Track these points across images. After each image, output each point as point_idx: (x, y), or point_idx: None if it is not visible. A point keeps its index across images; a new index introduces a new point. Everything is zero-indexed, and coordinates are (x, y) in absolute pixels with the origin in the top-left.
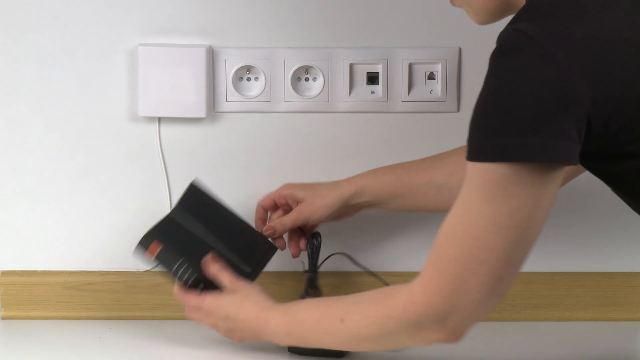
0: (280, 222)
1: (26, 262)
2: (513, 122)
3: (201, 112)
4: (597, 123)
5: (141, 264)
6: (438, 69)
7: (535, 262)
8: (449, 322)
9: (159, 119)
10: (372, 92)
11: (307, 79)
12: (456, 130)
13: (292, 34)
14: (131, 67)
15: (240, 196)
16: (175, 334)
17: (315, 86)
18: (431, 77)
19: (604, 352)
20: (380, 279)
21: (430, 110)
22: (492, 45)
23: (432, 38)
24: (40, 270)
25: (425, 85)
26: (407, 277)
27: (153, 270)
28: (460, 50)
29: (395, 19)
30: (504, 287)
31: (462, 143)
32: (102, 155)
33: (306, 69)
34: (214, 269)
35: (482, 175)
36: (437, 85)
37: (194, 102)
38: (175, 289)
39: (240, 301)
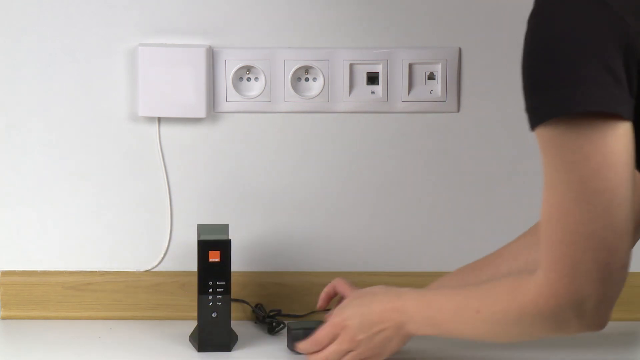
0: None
1: (26, 262)
2: (567, 73)
3: (201, 112)
4: None
5: (141, 264)
6: (438, 69)
7: None
8: (585, 309)
9: (159, 119)
10: (372, 92)
11: (307, 79)
12: (456, 130)
13: (292, 34)
14: (131, 67)
15: (240, 196)
16: (175, 334)
17: (315, 86)
18: (431, 77)
19: (604, 352)
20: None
21: (430, 110)
22: (492, 45)
23: (432, 38)
24: (40, 270)
25: (425, 85)
26: (407, 277)
27: (153, 270)
28: (460, 50)
29: (395, 19)
30: (621, 257)
31: (462, 143)
32: (102, 155)
33: (306, 69)
34: (333, 282)
35: (550, 141)
36: (437, 86)
37: (194, 102)
38: (301, 345)
39: (369, 298)
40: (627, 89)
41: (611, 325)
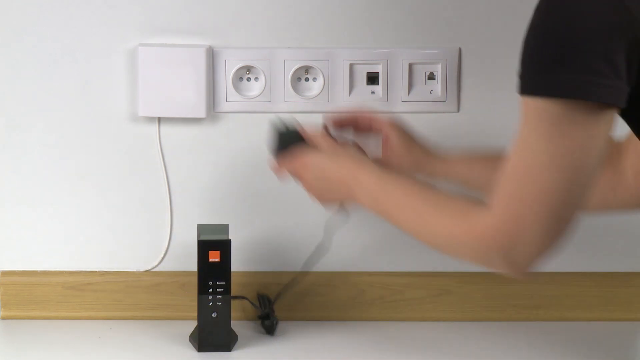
0: None
1: (26, 262)
2: (570, 58)
3: (201, 112)
4: None
5: (141, 264)
6: (438, 69)
7: None
8: (513, 258)
9: (159, 119)
10: (372, 92)
11: (307, 79)
12: (456, 130)
13: (292, 34)
14: (131, 67)
15: (240, 196)
16: (175, 334)
17: (315, 86)
18: (431, 77)
19: (604, 352)
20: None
21: (430, 110)
22: (492, 45)
23: (432, 38)
24: (41, 271)
25: (425, 85)
26: (407, 277)
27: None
28: (460, 50)
29: (395, 19)
30: (564, 226)
31: (462, 143)
32: (102, 156)
33: (306, 69)
34: (317, 134)
35: (537, 113)
36: (437, 86)
37: (194, 102)
38: (272, 159)
39: (337, 155)
40: (626, 78)
41: (611, 325)
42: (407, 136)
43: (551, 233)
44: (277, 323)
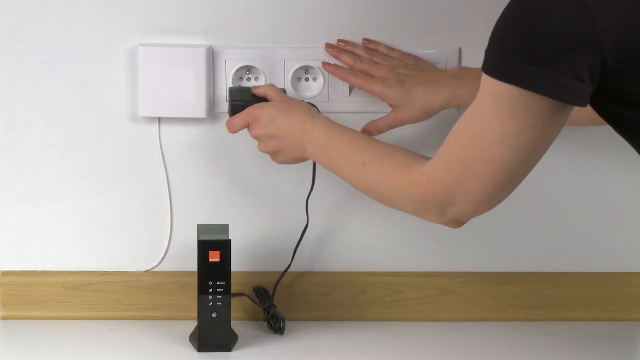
0: (375, 126)
1: (26, 262)
2: (533, 50)
3: (201, 112)
4: (613, 68)
5: (141, 264)
6: None
7: (535, 262)
8: (448, 212)
9: (159, 119)
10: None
11: (307, 79)
12: None
13: (292, 34)
14: (131, 67)
15: (240, 196)
16: (175, 334)
17: (315, 86)
18: None
19: (604, 352)
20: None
21: None
22: None
23: (432, 38)
24: (41, 271)
25: None
26: (407, 277)
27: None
28: (460, 50)
29: (395, 19)
30: (502, 195)
31: None
32: (102, 156)
33: (306, 69)
34: (265, 86)
35: (494, 93)
36: None
37: (194, 102)
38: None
39: (288, 108)
40: (588, 78)
41: (611, 325)
42: (399, 89)
43: (488, 199)
44: (284, 321)
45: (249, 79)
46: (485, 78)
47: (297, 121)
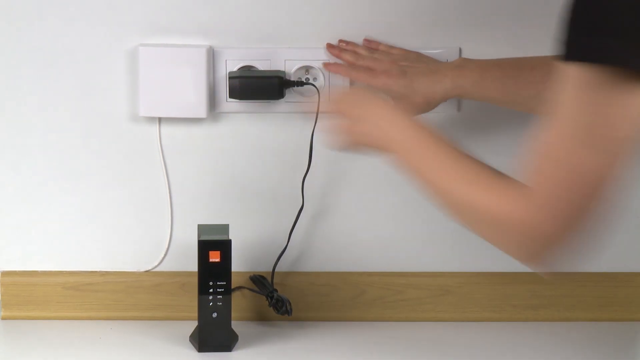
0: None
1: (26, 263)
2: (619, 22)
3: (201, 112)
4: None
5: (141, 264)
6: None
7: None
8: (542, 252)
9: (160, 119)
10: None
11: (307, 79)
12: (456, 130)
13: (292, 34)
14: (132, 68)
15: (240, 196)
16: (176, 334)
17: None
18: None
19: (604, 352)
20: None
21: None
22: (492, 45)
23: (432, 38)
24: (41, 271)
25: None
26: (407, 277)
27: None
28: (460, 50)
29: (395, 20)
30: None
31: (462, 143)
32: (103, 155)
33: (306, 69)
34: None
35: (578, 79)
36: None
37: (194, 102)
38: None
39: (376, 117)
40: None
41: (611, 325)
42: (402, 80)
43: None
44: (289, 303)
45: None
46: (565, 70)
47: (387, 108)
